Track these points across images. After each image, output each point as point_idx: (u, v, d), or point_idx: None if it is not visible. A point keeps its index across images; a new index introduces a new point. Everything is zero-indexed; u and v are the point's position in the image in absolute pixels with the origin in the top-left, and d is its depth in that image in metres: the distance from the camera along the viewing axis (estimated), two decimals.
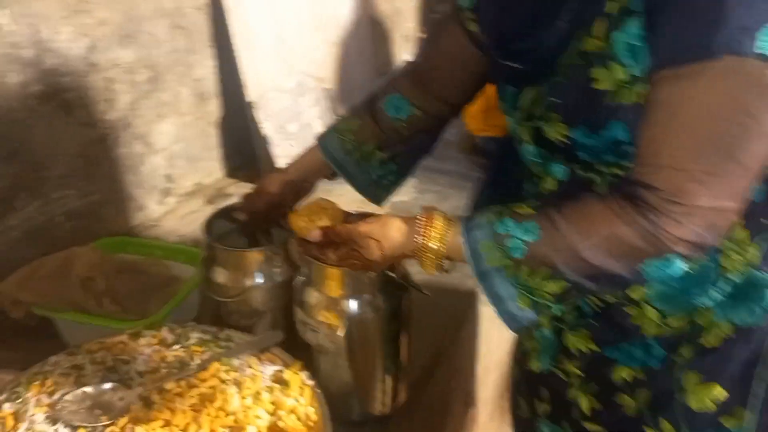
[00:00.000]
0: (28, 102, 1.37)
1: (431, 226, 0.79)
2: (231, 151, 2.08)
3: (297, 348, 1.05)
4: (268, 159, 1.95)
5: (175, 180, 1.89)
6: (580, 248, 0.70)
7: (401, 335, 1.06)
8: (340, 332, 0.99)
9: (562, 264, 0.71)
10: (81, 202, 1.57)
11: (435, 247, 0.78)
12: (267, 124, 1.93)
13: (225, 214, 1.20)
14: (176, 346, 1.04)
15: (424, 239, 0.79)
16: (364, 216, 0.90)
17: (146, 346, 1.04)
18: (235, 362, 1.01)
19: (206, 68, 1.89)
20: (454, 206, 1.88)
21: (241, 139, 2.04)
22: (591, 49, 0.72)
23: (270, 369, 1.00)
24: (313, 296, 1.02)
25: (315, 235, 0.86)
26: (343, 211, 0.92)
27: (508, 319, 0.77)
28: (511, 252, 0.73)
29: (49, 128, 1.43)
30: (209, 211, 1.91)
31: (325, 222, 0.87)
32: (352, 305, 0.99)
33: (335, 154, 1.07)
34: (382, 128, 1.06)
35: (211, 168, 2.03)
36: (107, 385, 0.94)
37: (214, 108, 1.96)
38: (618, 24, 0.70)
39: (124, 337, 1.05)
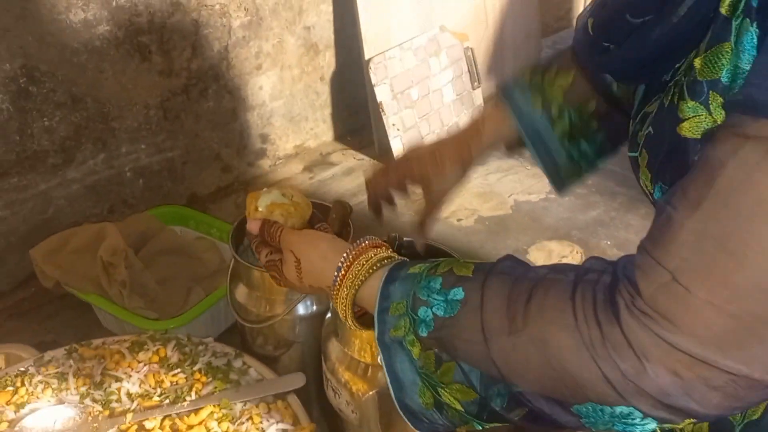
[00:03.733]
0: (95, 44, 1.35)
1: (356, 263, 0.67)
2: (343, 113, 1.97)
3: (327, 400, 0.93)
4: (381, 129, 1.82)
5: (272, 141, 1.83)
6: (492, 345, 0.55)
7: None
8: (367, 401, 0.85)
9: (466, 359, 0.57)
10: (155, 158, 1.56)
11: (345, 291, 0.67)
12: (383, 88, 1.79)
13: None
14: (177, 370, 0.97)
15: (340, 278, 0.67)
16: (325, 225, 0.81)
17: (144, 363, 0.98)
18: (237, 407, 0.92)
19: (320, 15, 1.78)
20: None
21: (356, 100, 1.92)
22: (698, 66, 0.52)
23: (273, 427, 0.89)
24: (336, 348, 0.88)
25: (251, 227, 0.78)
26: (313, 214, 0.82)
27: (409, 415, 0.63)
28: (418, 327, 0.60)
29: (120, 75, 1.42)
30: (307, 178, 1.92)
31: (276, 216, 0.77)
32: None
33: (530, 119, 0.83)
34: (598, 89, 0.81)
35: (317, 130, 1.95)
36: (82, 409, 0.89)
37: (326, 62, 1.86)
38: (738, 35, 0.49)
39: (124, 347, 1.00)
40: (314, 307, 0.99)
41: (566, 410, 0.53)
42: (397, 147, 1.82)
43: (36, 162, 1.35)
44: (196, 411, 0.89)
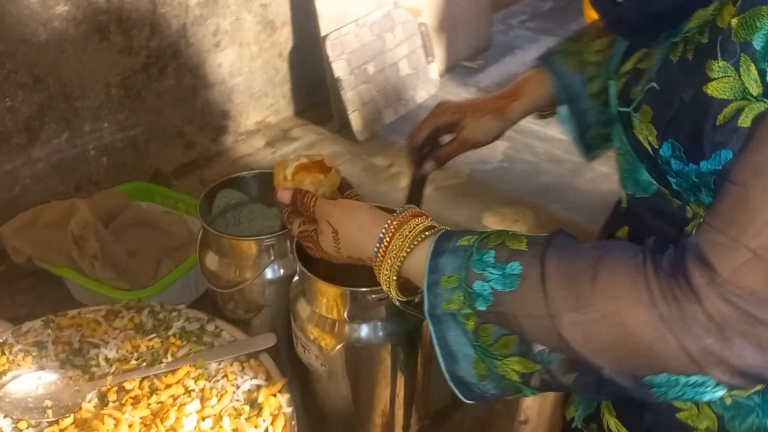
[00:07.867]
0: (54, 24, 1.35)
1: (398, 234, 0.66)
2: (302, 88, 2.00)
3: (297, 356, 0.98)
4: (340, 103, 1.85)
5: (233, 117, 1.85)
6: (560, 320, 0.54)
7: (417, 363, 0.96)
8: (335, 355, 0.90)
9: (531, 335, 0.57)
10: (118, 136, 1.57)
11: (389, 263, 0.66)
12: (340, 63, 1.82)
13: (235, 184, 1.11)
14: (153, 335, 1.00)
15: (382, 249, 0.66)
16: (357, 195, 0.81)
17: (120, 330, 1.01)
18: (212, 367, 0.96)
19: None
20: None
21: (314, 76, 1.95)
22: (721, 24, 0.52)
23: (247, 383, 0.94)
24: (304, 308, 0.93)
25: (282, 196, 0.76)
26: (342, 180, 0.80)
27: (460, 386, 0.63)
28: (475, 300, 0.59)
29: (80, 54, 1.42)
30: (269, 153, 1.94)
31: (306, 185, 0.76)
32: (355, 329, 0.89)
33: (568, 80, 0.88)
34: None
35: (277, 106, 1.97)
36: (63, 374, 0.92)
37: (283, 39, 1.88)
38: None
39: (100, 315, 1.03)
40: (281, 271, 1.03)
41: (635, 380, 0.53)
42: (356, 121, 1.85)
43: (0, 142, 1.35)
44: (174, 371, 0.93)
